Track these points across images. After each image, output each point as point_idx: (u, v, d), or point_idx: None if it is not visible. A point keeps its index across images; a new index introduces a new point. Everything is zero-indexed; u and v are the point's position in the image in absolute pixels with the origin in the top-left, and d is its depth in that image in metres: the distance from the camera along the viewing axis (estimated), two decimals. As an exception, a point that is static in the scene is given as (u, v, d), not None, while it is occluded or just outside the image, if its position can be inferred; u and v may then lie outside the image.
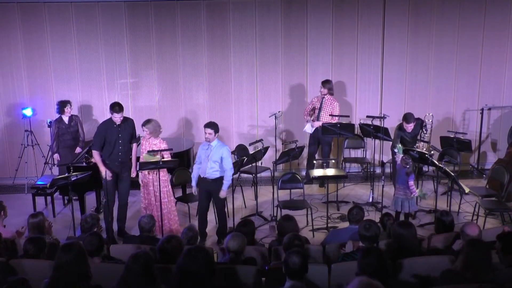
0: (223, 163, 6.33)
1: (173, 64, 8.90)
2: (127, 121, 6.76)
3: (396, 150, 6.71)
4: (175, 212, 6.77)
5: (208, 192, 6.50)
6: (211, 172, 6.34)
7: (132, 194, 7.05)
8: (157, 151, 6.47)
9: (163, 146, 6.50)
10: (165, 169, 6.62)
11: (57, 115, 7.96)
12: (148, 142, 6.58)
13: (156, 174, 6.51)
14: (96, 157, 6.69)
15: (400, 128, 7.71)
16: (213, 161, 6.32)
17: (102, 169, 6.59)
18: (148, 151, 6.47)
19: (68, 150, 7.90)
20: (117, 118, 6.58)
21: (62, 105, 7.85)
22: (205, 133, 6.35)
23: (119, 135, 6.62)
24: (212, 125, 6.35)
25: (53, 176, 7.63)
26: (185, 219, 7.18)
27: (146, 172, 6.57)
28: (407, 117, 7.53)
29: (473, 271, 3.59)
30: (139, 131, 6.91)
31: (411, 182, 6.42)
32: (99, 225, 5.10)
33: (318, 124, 8.05)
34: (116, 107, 6.57)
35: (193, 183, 6.63)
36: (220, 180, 6.38)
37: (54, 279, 3.48)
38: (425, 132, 7.66)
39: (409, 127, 7.54)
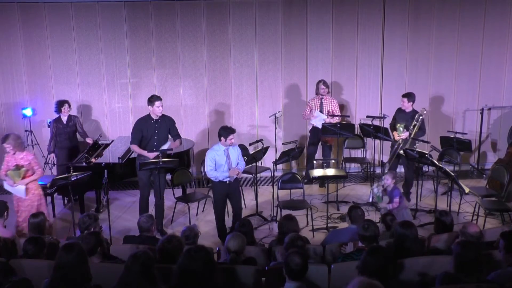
0: (239, 159, 6.49)
1: (173, 64, 8.90)
2: (165, 118, 6.73)
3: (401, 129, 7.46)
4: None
5: (226, 195, 6.50)
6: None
7: (132, 194, 7.05)
8: (159, 151, 6.47)
9: (30, 158, 6.31)
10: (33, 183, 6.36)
11: (56, 115, 7.97)
12: (14, 158, 6.26)
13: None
14: (136, 150, 6.64)
15: (400, 110, 7.79)
16: (235, 161, 6.41)
17: (148, 154, 6.52)
18: (16, 166, 6.16)
19: (64, 150, 7.89)
20: (159, 107, 6.53)
21: (59, 105, 7.88)
22: (231, 139, 6.27)
23: (155, 131, 6.61)
24: (235, 130, 6.38)
25: (53, 176, 7.63)
26: (185, 219, 7.18)
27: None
28: (406, 94, 7.72)
29: (466, 271, 3.59)
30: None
31: (397, 199, 6.48)
32: (97, 225, 5.07)
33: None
34: (154, 96, 6.61)
35: (227, 174, 6.37)
36: (237, 179, 6.53)
37: (54, 279, 3.48)
38: (415, 123, 7.58)
39: (405, 102, 7.62)
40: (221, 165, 6.31)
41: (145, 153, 6.54)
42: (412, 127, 7.50)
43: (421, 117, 7.50)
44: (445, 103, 9.21)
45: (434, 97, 9.17)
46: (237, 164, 6.43)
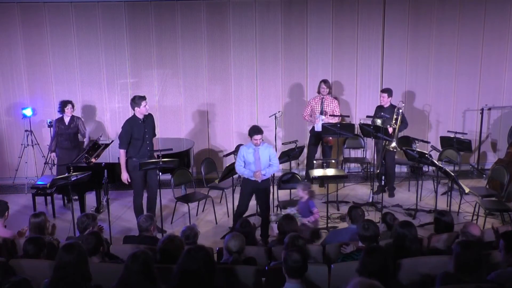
0: (272, 161, 6.38)
1: (173, 64, 8.90)
2: (149, 117, 6.73)
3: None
4: None
5: (252, 193, 6.48)
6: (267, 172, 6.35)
7: (132, 194, 7.02)
8: (157, 151, 6.48)
9: None
10: None
11: (59, 115, 7.95)
12: None
13: None
14: (121, 158, 6.60)
15: (379, 107, 7.86)
16: (265, 162, 6.33)
17: (124, 175, 6.57)
18: None
19: (64, 151, 7.87)
20: (145, 107, 6.53)
21: (63, 105, 7.83)
22: (256, 139, 6.21)
23: (145, 129, 6.60)
24: (261, 131, 6.30)
25: (53, 176, 7.63)
26: (185, 219, 7.18)
27: None
28: (385, 89, 7.82)
29: (466, 272, 3.59)
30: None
31: (316, 209, 6.33)
32: (95, 224, 5.06)
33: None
34: (137, 96, 6.56)
35: (250, 173, 6.33)
36: (268, 179, 6.45)
37: (54, 279, 3.48)
38: (396, 116, 7.57)
39: (385, 98, 7.68)
40: (249, 163, 6.32)
41: (124, 170, 6.58)
42: (394, 121, 7.52)
43: (400, 111, 7.53)
44: (445, 103, 9.21)
45: (434, 97, 9.17)
46: (269, 166, 6.36)
